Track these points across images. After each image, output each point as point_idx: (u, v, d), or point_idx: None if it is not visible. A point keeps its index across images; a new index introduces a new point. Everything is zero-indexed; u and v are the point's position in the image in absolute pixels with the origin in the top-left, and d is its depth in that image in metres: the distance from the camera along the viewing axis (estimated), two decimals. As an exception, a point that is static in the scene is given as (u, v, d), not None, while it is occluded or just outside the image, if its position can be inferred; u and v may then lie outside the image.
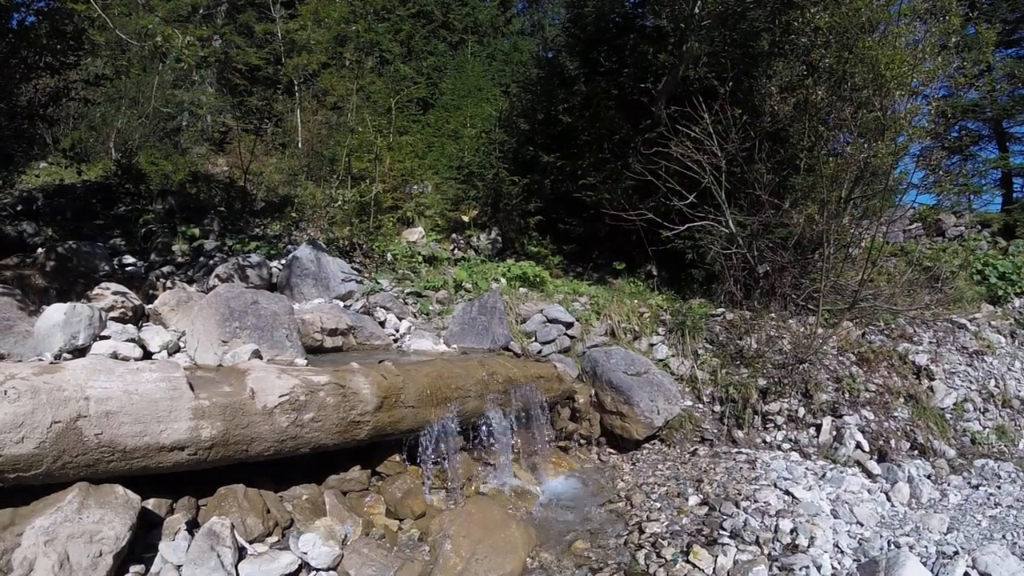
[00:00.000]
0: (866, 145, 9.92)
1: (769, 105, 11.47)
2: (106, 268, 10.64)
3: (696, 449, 8.82)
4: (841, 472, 7.75)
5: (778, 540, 6.07)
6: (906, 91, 9.82)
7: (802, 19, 10.68)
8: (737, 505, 6.81)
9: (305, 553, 4.93)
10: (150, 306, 8.52)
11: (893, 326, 10.71)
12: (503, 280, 12.02)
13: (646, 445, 8.96)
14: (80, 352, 6.60)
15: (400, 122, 18.98)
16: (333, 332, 8.50)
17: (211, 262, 11.88)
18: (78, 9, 9.19)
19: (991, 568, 5.30)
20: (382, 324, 9.88)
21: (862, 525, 6.50)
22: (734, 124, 10.94)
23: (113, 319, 7.54)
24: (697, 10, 12.60)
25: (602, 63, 14.74)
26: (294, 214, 14.82)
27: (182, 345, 7.40)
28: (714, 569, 5.64)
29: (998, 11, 18.99)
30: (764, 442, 8.99)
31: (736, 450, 8.69)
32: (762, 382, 9.44)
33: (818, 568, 5.55)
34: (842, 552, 5.90)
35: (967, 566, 5.44)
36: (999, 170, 19.91)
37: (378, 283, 11.42)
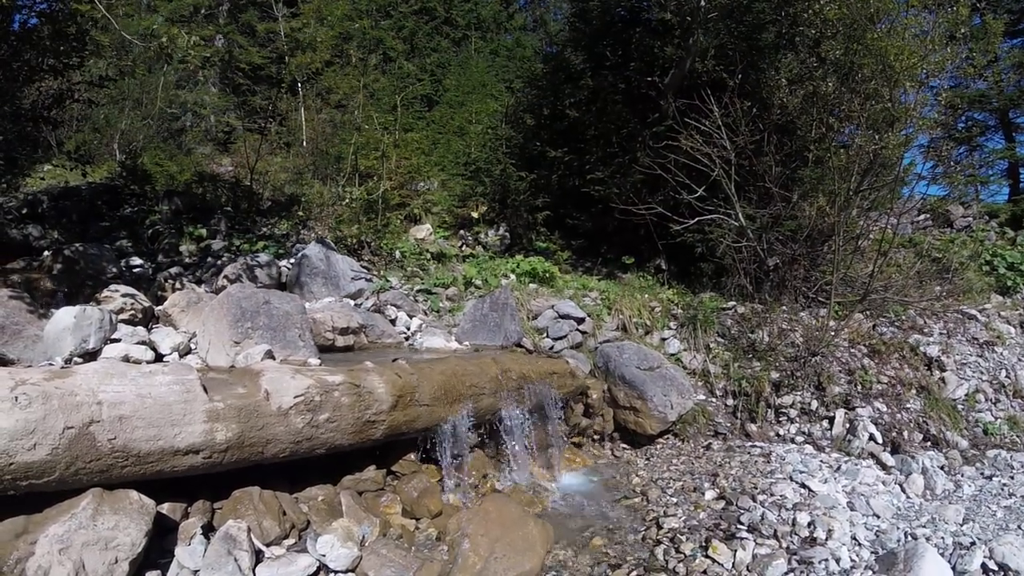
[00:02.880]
0: (876, 136, 9.86)
1: (778, 97, 11.42)
2: (113, 270, 10.57)
3: (710, 443, 8.81)
4: (856, 464, 7.74)
5: (796, 533, 6.06)
6: (915, 82, 9.77)
7: (810, 11, 10.62)
8: (753, 499, 6.79)
9: (323, 555, 4.91)
10: (159, 308, 8.50)
11: (903, 318, 10.67)
12: (512, 276, 11.99)
13: (660, 440, 8.95)
14: (91, 355, 6.59)
15: (405, 119, 18.96)
16: (344, 331, 8.48)
17: (219, 262, 11.85)
18: (81, 9, 9.14)
19: (1008, 558, 5.28)
20: (393, 322, 9.86)
21: (878, 517, 6.48)
22: (743, 117, 10.90)
23: (123, 321, 7.52)
24: (703, 2, 12.55)
25: (608, 57, 14.69)
26: (301, 213, 14.78)
27: (193, 347, 7.38)
28: (733, 563, 5.63)
29: (1004, 1, 18.91)
30: (777, 435, 8.97)
31: (750, 444, 8.67)
32: (775, 375, 9.41)
33: (837, 561, 5.53)
34: (860, 544, 5.89)
35: (984, 556, 5.42)
36: (1006, 160, 19.85)
37: (388, 281, 11.40)
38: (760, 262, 11.16)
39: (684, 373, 9.60)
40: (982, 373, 9.71)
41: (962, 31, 10.11)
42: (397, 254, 13.41)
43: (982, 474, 7.76)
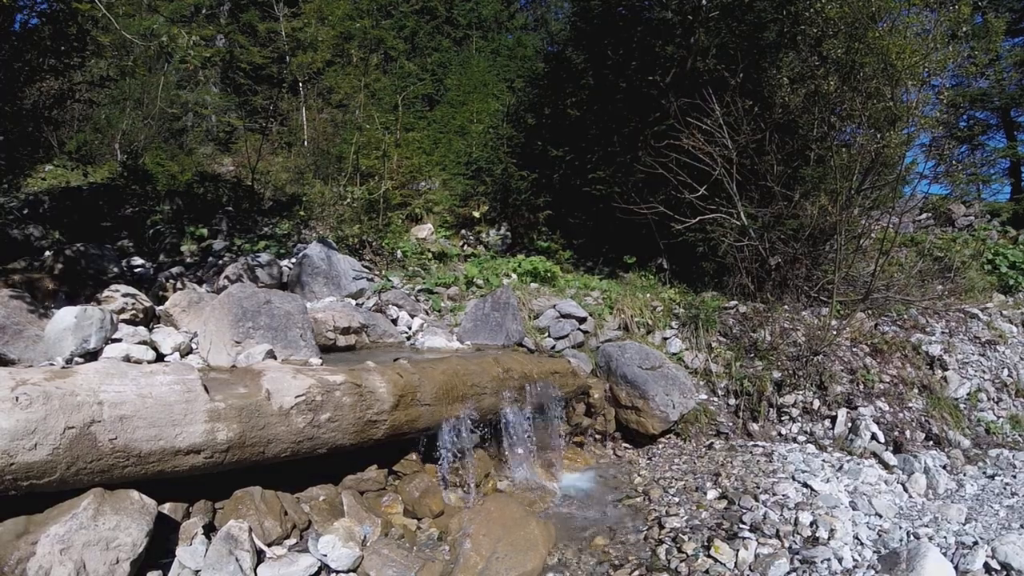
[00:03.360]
0: (877, 135, 9.86)
1: (779, 96, 11.39)
2: (115, 270, 10.59)
3: (712, 443, 8.79)
4: (858, 464, 7.72)
5: (798, 533, 6.04)
6: (917, 81, 9.77)
7: (811, 9, 10.60)
8: (756, 498, 6.77)
9: (325, 555, 4.89)
10: (161, 308, 8.49)
11: (905, 317, 10.67)
12: (514, 276, 11.98)
13: (661, 439, 8.93)
14: (92, 355, 6.57)
15: (406, 119, 19.00)
16: (346, 331, 8.47)
17: (220, 262, 11.86)
18: (82, 9, 9.15)
19: (1011, 558, 5.26)
20: (395, 322, 9.85)
21: (881, 517, 6.46)
22: (745, 115, 10.90)
23: (124, 321, 7.51)
24: (704, 1, 12.56)
25: (609, 56, 14.69)
26: (302, 212, 14.80)
27: (194, 346, 7.37)
28: (735, 563, 5.61)
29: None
30: (779, 435, 8.96)
31: (752, 443, 8.65)
32: (776, 374, 9.40)
33: (839, 560, 5.52)
34: (862, 544, 5.88)
35: (987, 556, 5.40)
36: (1007, 159, 19.88)
37: (389, 280, 11.40)
38: (762, 261, 11.16)
39: (686, 372, 9.58)
40: (984, 372, 9.72)
41: (963, 29, 10.12)
42: (399, 254, 13.43)
43: (984, 473, 7.75)
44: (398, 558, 5.13)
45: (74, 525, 4.18)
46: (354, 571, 4.97)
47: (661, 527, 6.43)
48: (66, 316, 6.61)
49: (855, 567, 5.45)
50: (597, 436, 9.05)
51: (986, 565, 5.32)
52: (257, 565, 4.69)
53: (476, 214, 16.06)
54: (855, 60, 10.07)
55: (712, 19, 12.83)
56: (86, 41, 10.89)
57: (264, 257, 11.34)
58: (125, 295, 7.86)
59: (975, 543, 5.73)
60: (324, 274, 10.82)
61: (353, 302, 10.20)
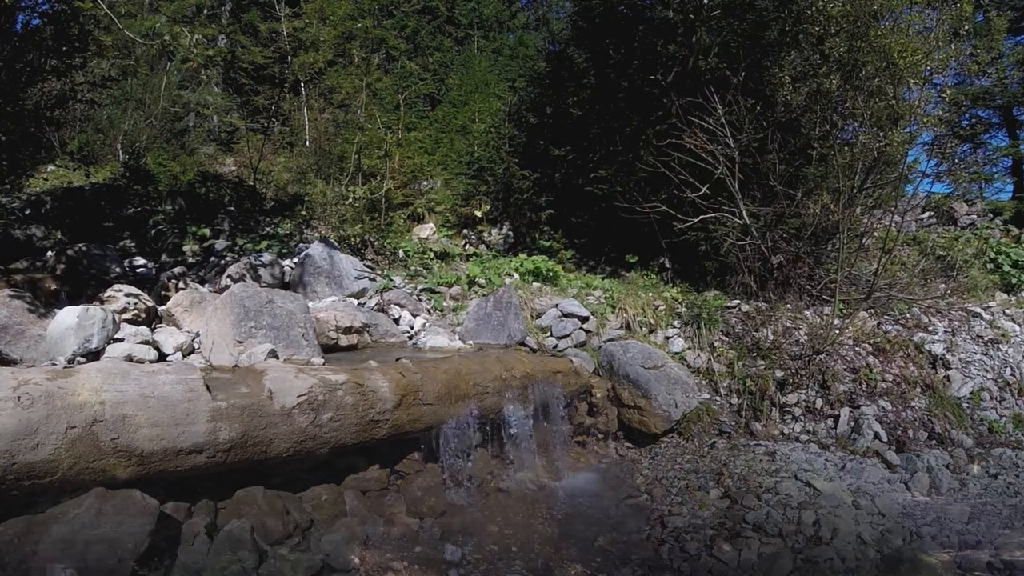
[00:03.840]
0: (880, 134, 9.84)
1: (781, 95, 11.36)
2: (117, 270, 10.60)
3: (714, 442, 8.78)
4: (861, 463, 7.73)
5: (801, 532, 6.04)
6: (919, 79, 9.75)
7: (813, 8, 10.58)
8: (758, 498, 6.77)
9: (327, 555, 4.90)
10: (163, 307, 8.49)
11: (908, 315, 10.64)
12: (516, 275, 11.96)
13: (664, 439, 8.91)
14: (94, 355, 6.58)
15: (408, 119, 18.99)
16: (348, 330, 8.47)
17: (223, 262, 11.86)
18: (84, 8, 9.15)
19: (1014, 557, 5.26)
20: (396, 321, 9.85)
21: (884, 516, 6.46)
22: (747, 114, 10.88)
23: (126, 321, 7.51)
24: (706, 0, 12.53)
25: (611, 55, 14.64)
26: (304, 212, 14.80)
27: (196, 346, 7.37)
28: (738, 563, 5.61)
29: (1008, -3, 18.89)
30: (782, 434, 8.94)
31: (755, 442, 8.64)
32: (779, 374, 9.38)
33: (842, 560, 5.52)
34: (865, 543, 5.87)
35: (990, 555, 5.40)
36: (1010, 158, 19.82)
37: (391, 280, 11.40)
38: (764, 260, 11.14)
39: (688, 372, 9.58)
40: (987, 371, 9.69)
41: (965, 28, 10.09)
42: (400, 253, 13.43)
43: (987, 472, 7.74)
44: (400, 558, 5.13)
45: (76, 525, 4.18)
46: (357, 571, 4.97)
47: (664, 526, 6.43)
48: (68, 316, 6.62)
49: (858, 567, 5.45)
50: (599, 435, 9.05)
51: (989, 564, 5.32)
52: (260, 565, 4.68)
53: (478, 213, 16.06)
54: (857, 59, 10.04)
55: (714, 18, 12.80)
56: (88, 41, 10.90)
57: (266, 257, 11.35)
58: (127, 295, 7.87)
59: (978, 542, 5.73)
60: (326, 274, 10.83)
61: (355, 302, 10.20)
